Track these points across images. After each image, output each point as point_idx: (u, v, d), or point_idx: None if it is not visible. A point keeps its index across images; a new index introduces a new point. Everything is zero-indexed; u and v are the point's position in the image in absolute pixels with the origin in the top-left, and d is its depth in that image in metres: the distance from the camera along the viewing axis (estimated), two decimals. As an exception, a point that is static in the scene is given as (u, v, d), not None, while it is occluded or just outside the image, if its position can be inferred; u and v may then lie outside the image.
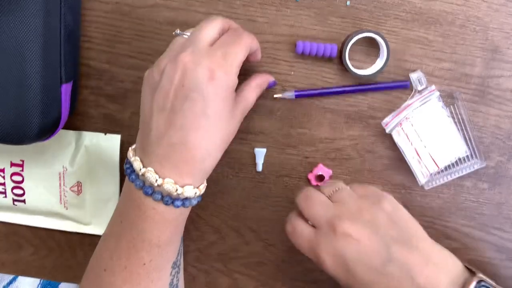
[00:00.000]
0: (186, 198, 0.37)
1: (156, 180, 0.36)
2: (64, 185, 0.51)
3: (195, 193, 0.38)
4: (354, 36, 0.46)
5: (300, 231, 0.41)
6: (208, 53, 0.36)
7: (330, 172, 0.51)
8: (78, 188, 0.51)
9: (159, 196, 0.37)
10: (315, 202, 0.41)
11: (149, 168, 0.36)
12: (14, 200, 0.52)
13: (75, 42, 0.47)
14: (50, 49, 0.41)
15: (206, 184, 0.40)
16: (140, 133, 0.39)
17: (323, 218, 0.40)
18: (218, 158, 0.38)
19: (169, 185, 0.36)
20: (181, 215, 0.39)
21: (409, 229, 0.40)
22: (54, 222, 0.53)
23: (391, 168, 0.51)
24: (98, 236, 0.53)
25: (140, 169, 0.37)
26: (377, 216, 0.39)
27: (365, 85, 0.48)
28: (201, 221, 0.53)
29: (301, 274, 0.55)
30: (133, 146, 0.40)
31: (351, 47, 0.47)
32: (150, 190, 0.37)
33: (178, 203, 0.37)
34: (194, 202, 0.39)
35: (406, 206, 0.52)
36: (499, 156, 0.51)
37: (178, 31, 0.40)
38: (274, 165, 0.51)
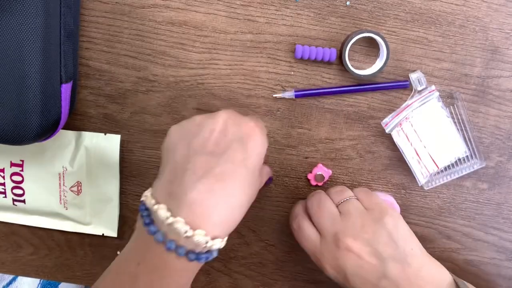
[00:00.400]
0: (209, 251, 0.34)
1: (186, 232, 0.33)
2: (64, 185, 0.51)
3: (206, 241, 0.34)
4: (354, 36, 0.46)
5: (307, 235, 0.45)
6: (244, 120, 0.38)
7: (330, 172, 0.51)
8: (78, 188, 0.51)
9: (183, 252, 0.33)
10: (325, 211, 0.45)
11: (179, 218, 0.33)
12: (14, 200, 0.52)
13: (75, 42, 0.47)
14: (50, 49, 0.41)
15: (224, 242, 0.36)
16: (165, 177, 0.36)
17: (330, 230, 0.44)
18: (243, 214, 0.36)
19: (200, 237, 0.33)
20: (195, 267, 0.37)
21: (406, 246, 0.43)
22: (54, 222, 0.53)
23: (391, 168, 0.51)
24: (98, 236, 0.54)
25: (167, 218, 0.33)
26: (378, 233, 0.42)
27: (365, 85, 0.48)
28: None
29: (301, 274, 0.55)
30: (148, 193, 0.36)
31: (350, 47, 0.47)
32: (173, 245, 0.33)
33: (203, 256, 0.34)
34: (215, 254, 0.35)
35: (405, 206, 0.52)
36: (499, 156, 0.51)
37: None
38: (274, 165, 0.51)
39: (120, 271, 0.38)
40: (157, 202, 0.34)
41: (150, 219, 0.34)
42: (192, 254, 0.34)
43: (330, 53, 0.47)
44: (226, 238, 0.35)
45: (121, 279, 0.37)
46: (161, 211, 0.33)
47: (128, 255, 0.38)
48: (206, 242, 0.33)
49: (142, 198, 0.36)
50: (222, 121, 0.37)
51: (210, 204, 0.33)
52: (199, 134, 0.36)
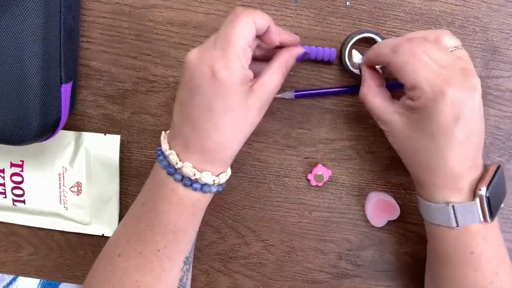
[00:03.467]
0: (205, 184, 0.39)
1: (177, 163, 0.38)
2: (64, 185, 0.51)
3: (213, 180, 0.39)
4: (354, 37, 0.46)
5: (426, 59, 0.36)
6: (209, 48, 0.36)
7: (330, 172, 0.51)
8: (78, 188, 0.51)
9: (180, 177, 0.38)
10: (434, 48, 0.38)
11: (172, 151, 0.38)
12: (14, 201, 0.52)
13: (75, 42, 0.47)
14: (50, 49, 0.41)
15: (228, 174, 0.41)
16: (172, 119, 0.41)
17: (455, 63, 0.37)
18: (236, 148, 0.39)
19: (188, 168, 0.37)
20: (199, 201, 0.40)
21: None
22: (54, 222, 0.53)
23: (391, 168, 0.51)
24: (98, 236, 0.54)
25: (166, 151, 0.39)
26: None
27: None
28: (201, 221, 0.53)
29: (300, 274, 0.55)
30: (168, 131, 0.41)
31: (350, 47, 0.47)
32: (172, 170, 0.38)
33: (197, 185, 0.38)
34: (214, 189, 0.39)
35: (406, 206, 0.52)
36: (499, 156, 0.51)
37: None
38: (274, 165, 0.51)
39: (126, 217, 0.43)
40: (165, 138, 0.40)
41: (160, 150, 0.40)
42: (187, 180, 0.38)
43: (330, 53, 0.47)
44: (223, 175, 0.39)
45: (127, 223, 0.42)
46: (164, 145, 0.39)
47: (137, 199, 0.42)
48: (194, 174, 0.38)
49: (161, 142, 0.40)
50: (191, 63, 0.37)
51: (192, 146, 0.38)
52: (182, 79, 0.38)
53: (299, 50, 0.42)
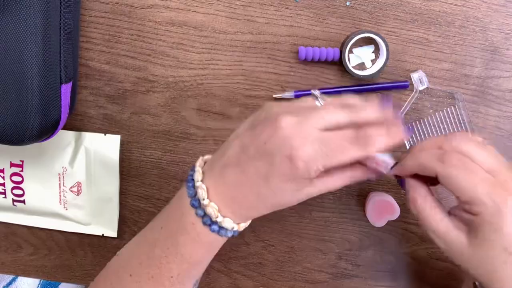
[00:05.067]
0: (223, 228, 0.38)
1: (204, 199, 0.37)
2: (63, 185, 0.51)
3: (232, 227, 0.38)
4: (354, 37, 0.46)
5: (477, 169, 0.34)
6: (309, 138, 0.34)
7: (330, 172, 0.51)
8: (78, 188, 0.51)
9: (202, 213, 0.37)
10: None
11: (203, 185, 0.37)
12: (13, 201, 0.52)
13: (75, 42, 0.47)
14: (49, 49, 0.41)
15: (247, 225, 0.40)
16: (219, 150, 0.39)
17: (499, 163, 0.35)
18: (264, 213, 0.38)
19: (212, 209, 0.37)
20: (215, 241, 0.39)
21: None
22: (54, 223, 0.53)
23: (390, 168, 0.51)
24: (98, 236, 0.54)
25: (197, 181, 0.37)
26: None
27: (365, 85, 0.48)
28: (201, 221, 0.53)
29: (300, 274, 0.55)
30: (206, 156, 0.41)
31: (350, 47, 0.47)
32: (197, 204, 0.37)
33: (215, 227, 0.37)
34: (229, 234, 0.39)
35: (406, 206, 0.52)
36: (499, 156, 0.51)
37: (317, 92, 0.39)
38: (274, 165, 0.51)
39: (141, 238, 0.42)
40: (202, 165, 0.39)
41: (192, 177, 0.39)
42: (208, 219, 0.37)
43: (334, 53, 0.47)
44: (243, 225, 0.39)
45: (141, 244, 0.42)
46: (197, 174, 0.38)
47: (155, 222, 0.42)
48: (217, 217, 0.37)
49: (195, 168, 0.39)
50: (277, 127, 0.34)
51: (226, 191, 0.37)
52: (256, 129, 0.36)
53: (376, 172, 0.38)
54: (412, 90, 0.48)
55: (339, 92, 0.49)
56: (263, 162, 0.35)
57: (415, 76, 0.47)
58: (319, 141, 0.34)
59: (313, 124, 0.34)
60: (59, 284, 0.64)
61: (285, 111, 0.35)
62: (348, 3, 0.47)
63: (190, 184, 0.38)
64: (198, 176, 0.38)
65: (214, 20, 0.48)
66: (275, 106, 0.37)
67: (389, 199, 0.50)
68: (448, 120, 0.49)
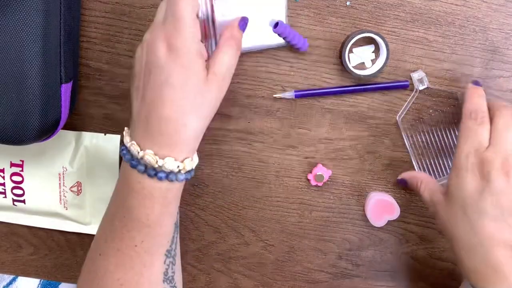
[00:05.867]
0: (171, 172, 0.37)
1: (138, 152, 0.37)
2: (64, 185, 0.51)
3: (178, 166, 0.37)
4: (354, 37, 0.46)
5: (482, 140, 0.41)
6: (161, 26, 0.37)
7: (330, 172, 0.51)
8: (78, 188, 0.51)
9: (143, 168, 0.37)
10: None
11: (132, 142, 0.38)
12: (14, 200, 0.52)
13: (75, 42, 0.47)
14: (49, 49, 0.41)
15: (195, 161, 0.39)
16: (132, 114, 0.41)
17: None
18: (197, 128, 0.38)
19: (149, 156, 0.36)
20: (168, 191, 0.39)
21: None
22: (54, 222, 0.53)
23: (391, 168, 0.51)
24: (98, 236, 0.54)
25: (127, 143, 0.38)
26: None
27: (365, 85, 0.48)
28: (201, 221, 0.53)
29: (300, 274, 0.55)
30: (126, 133, 0.41)
31: (350, 47, 0.47)
32: (135, 162, 0.37)
33: (161, 175, 0.37)
34: (181, 177, 0.38)
35: (405, 206, 0.52)
36: (499, 156, 0.51)
37: None
38: (274, 165, 0.51)
39: (103, 217, 0.43)
40: (127, 132, 0.39)
41: (123, 144, 0.39)
42: (151, 170, 0.37)
43: (304, 43, 0.47)
44: (188, 161, 0.38)
45: (103, 222, 0.42)
46: (125, 138, 0.39)
47: (110, 200, 0.42)
48: (156, 162, 0.37)
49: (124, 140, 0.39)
50: (145, 44, 0.38)
51: (151, 130, 0.37)
52: (134, 67, 0.39)
53: (237, 20, 0.42)
54: (412, 90, 0.48)
55: (339, 92, 0.49)
56: (154, 74, 0.37)
57: (415, 76, 0.47)
58: (167, 19, 0.37)
59: (156, 20, 0.38)
60: (59, 284, 0.64)
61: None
62: (348, 3, 0.47)
63: (124, 151, 0.38)
64: (126, 138, 0.39)
65: (214, 20, 0.48)
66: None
67: (389, 199, 0.51)
68: (448, 120, 0.49)
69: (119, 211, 0.40)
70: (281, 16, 0.45)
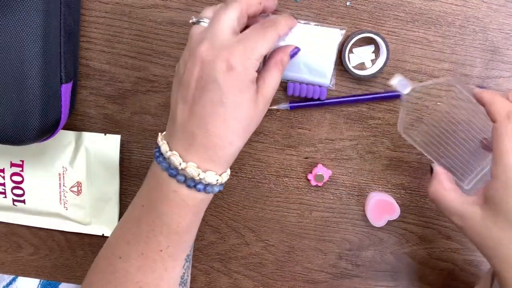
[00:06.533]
0: (208, 184, 0.38)
1: (180, 164, 0.37)
2: (64, 185, 0.51)
3: (217, 180, 0.38)
4: (354, 37, 0.46)
5: None
6: (226, 45, 0.37)
7: (330, 172, 0.51)
8: (78, 188, 0.51)
9: (183, 178, 0.37)
10: None
11: (174, 152, 0.38)
12: (14, 201, 0.52)
13: (75, 42, 0.47)
14: (50, 49, 0.41)
15: (229, 174, 0.40)
16: (168, 121, 0.41)
17: None
18: (240, 146, 0.39)
19: (192, 168, 0.37)
20: (202, 202, 0.40)
21: None
22: (54, 222, 0.53)
23: (391, 168, 0.51)
24: (98, 236, 0.54)
25: (167, 152, 0.38)
26: None
27: (357, 96, 0.48)
28: (201, 221, 0.53)
29: (300, 274, 0.55)
30: (163, 133, 0.41)
31: (350, 47, 0.47)
32: (174, 172, 0.38)
33: (200, 186, 0.38)
34: (216, 189, 0.39)
35: (405, 206, 0.52)
36: (499, 156, 0.51)
37: (194, 18, 0.40)
38: (274, 165, 0.51)
39: (125, 219, 0.42)
40: (162, 139, 0.39)
41: (159, 152, 0.39)
42: (191, 181, 0.37)
43: (320, 92, 0.47)
44: (225, 175, 0.39)
45: (126, 225, 0.42)
46: (163, 146, 0.38)
47: (135, 200, 0.42)
48: (198, 174, 0.37)
49: (159, 144, 0.39)
50: (201, 58, 0.37)
51: (197, 144, 0.37)
52: (183, 78, 0.38)
53: (291, 48, 0.42)
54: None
55: (331, 104, 0.48)
56: (210, 90, 0.36)
57: (394, 82, 0.43)
58: (239, 42, 0.37)
59: (221, 33, 0.37)
60: (59, 284, 0.64)
61: (193, 45, 0.38)
62: (348, 3, 0.47)
63: (160, 158, 0.39)
64: (164, 147, 0.38)
65: (214, 20, 0.48)
66: (184, 52, 0.39)
67: (389, 199, 0.51)
68: (451, 111, 0.45)
69: (147, 215, 0.40)
70: (331, 59, 0.46)
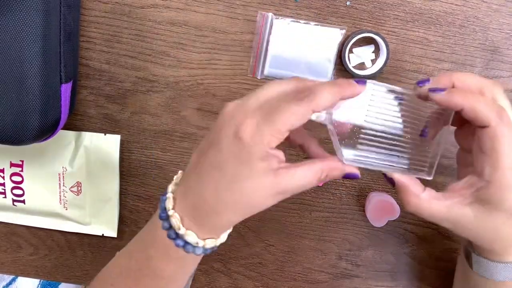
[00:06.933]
0: (188, 243, 0.35)
1: (169, 210, 0.35)
2: (63, 185, 0.51)
3: (196, 242, 0.35)
4: (354, 37, 0.46)
5: None
6: (249, 110, 0.33)
7: (330, 172, 0.50)
8: (78, 188, 0.51)
9: (167, 226, 0.35)
10: None
11: (169, 195, 0.36)
12: (13, 201, 0.52)
13: (75, 42, 0.47)
14: (49, 49, 0.41)
15: (220, 241, 0.36)
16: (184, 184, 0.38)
17: None
18: (232, 221, 0.35)
19: (175, 220, 0.35)
20: (185, 258, 0.37)
21: None
22: (54, 222, 0.53)
23: (390, 168, 0.51)
24: (98, 236, 0.54)
25: (167, 193, 0.36)
26: None
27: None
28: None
29: (300, 275, 0.55)
30: (170, 194, 0.38)
31: (350, 47, 0.47)
32: (164, 216, 0.36)
33: (179, 242, 0.35)
34: (198, 251, 0.36)
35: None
36: (499, 156, 0.51)
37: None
38: (274, 165, 0.51)
39: (125, 248, 0.41)
40: (172, 191, 0.36)
41: (164, 204, 0.36)
42: (172, 232, 0.35)
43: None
44: (210, 241, 0.35)
45: (122, 255, 0.40)
46: (168, 202, 0.35)
47: (137, 235, 0.40)
48: (179, 229, 0.34)
49: (166, 195, 0.37)
50: (223, 115, 0.34)
51: (188, 199, 0.35)
52: (210, 129, 0.36)
53: (351, 170, 0.35)
54: None
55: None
56: (213, 150, 0.33)
57: (314, 118, 0.35)
58: (260, 109, 0.32)
59: (254, 98, 0.33)
60: (58, 284, 0.64)
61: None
62: (348, 3, 0.47)
63: (163, 197, 0.36)
64: (169, 187, 0.36)
65: (214, 19, 0.48)
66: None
67: (389, 199, 0.50)
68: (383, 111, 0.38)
69: (138, 252, 0.39)
70: (331, 59, 0.45)
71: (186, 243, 0.35)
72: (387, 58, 0.47)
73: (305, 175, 0.33)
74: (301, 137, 0.39)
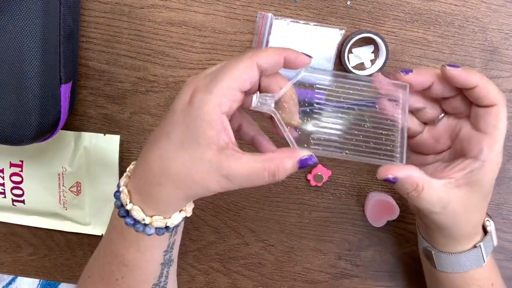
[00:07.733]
0: (138, 222, 0.34)
1: (120, 187, 0.35)
2: (63, 185, 0.51)
3: (143, 219, 0.33)
4: (354, 37, 0.46)
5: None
6: (201, 76, 0.33)
7: (330, 172, 0.51)
8: (77, 188, 0.51)
9: (119, 203, 0.34)
10: None
11: (128, 172, 0.36)
12: (13, 201, 0.52)
13: (74, 42, 0.47)
14: (49, 49, 0.41)
15: (172, 221, 0.34)
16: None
17: None
18: (174, 196, 0.33)
19: (123, 194, 0.34)
20: (141, 239, 0.35)
21: None
22: (54, 223, 0.53)
23: (390, 168, 0.51)
24: (97, 236, 0.54)
25: (127, 205, 0.35)
26: None
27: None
28: (201, 221, 0.53)
29: (300, 274, 0.55)
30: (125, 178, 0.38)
31: (350, 47, 0.47)
32: (118, 194, 0.35)
33: (129, 220, 0.34)
34: (149, 231, 0.34)
35: (405, 206, 0.52)
36: (498, 156, 0.51)
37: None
38: (274, 165, 0.51)
39: (93, 256, 0.41)
40: (125, 184, 0.36)
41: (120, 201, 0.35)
42: (122, 209, 0.34)
43: None
44: (158, 218, 0.34)
45: (98, 245, 0.41)
46: (123, 177, 0.36)
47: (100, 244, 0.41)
48: (127, 204, 0.34)
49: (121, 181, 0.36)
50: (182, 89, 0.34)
51: (138, 171, 0.34)
52: None
53: (304, 155, 0.33)
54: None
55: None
56: (165, 118, 0.33)
57: (254, 103, 0.34)
58: (211, 73, 0.32)
59: (211, 68, 0.34)
60: (58, 284, 0.64)
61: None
62: (348, 3, 0.47)
63: (121, 212, 0.35)
64: (130, 166, 0.36)
65: (214, 20, 0.48)
66: None
67: (389, 199, 0.51)
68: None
69: (104, 240, 0.39)
70: (330, 59, 0.45)
71: (136, 221, 0.34)
72: (387, 59, 0.47)
73: (253, 162, 0.31)
74: (253, 130, 0.38)
